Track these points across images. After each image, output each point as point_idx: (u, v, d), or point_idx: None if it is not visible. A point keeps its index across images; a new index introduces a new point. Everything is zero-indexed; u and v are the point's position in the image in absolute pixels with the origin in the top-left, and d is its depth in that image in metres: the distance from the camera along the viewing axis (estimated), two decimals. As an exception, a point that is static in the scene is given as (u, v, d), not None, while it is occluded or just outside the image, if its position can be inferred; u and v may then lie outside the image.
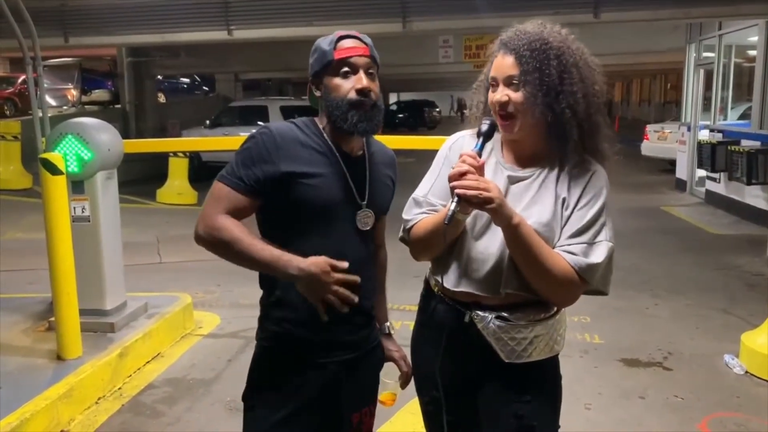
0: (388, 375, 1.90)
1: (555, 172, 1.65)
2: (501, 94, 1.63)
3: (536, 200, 1.63)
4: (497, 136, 1.73)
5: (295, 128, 1.70)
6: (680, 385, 3.83)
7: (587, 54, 1.66)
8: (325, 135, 1.70)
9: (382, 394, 1.90)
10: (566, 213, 1.62)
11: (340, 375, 1.74)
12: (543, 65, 1.58)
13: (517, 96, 1.60)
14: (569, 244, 1.59)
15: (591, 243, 1.59)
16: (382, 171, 1.80)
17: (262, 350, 1.77)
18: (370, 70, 1.66)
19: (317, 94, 1.71)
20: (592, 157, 1.67)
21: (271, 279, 1.70)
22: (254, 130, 1.70)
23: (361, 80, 1.63)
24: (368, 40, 1.69)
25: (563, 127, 1.60)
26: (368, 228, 1.73)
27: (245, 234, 1.60)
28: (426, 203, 1.73)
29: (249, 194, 1.63)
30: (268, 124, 1.72)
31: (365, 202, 1.71)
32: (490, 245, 1.64)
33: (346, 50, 1.64)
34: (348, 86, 1.64)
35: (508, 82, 1.62)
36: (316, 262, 1.54)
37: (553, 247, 1.60)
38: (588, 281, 1.59)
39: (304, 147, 1.66)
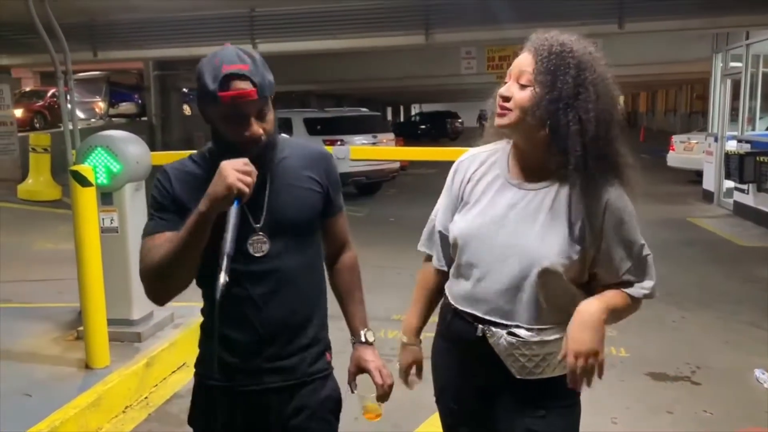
0: (366, 389, 1.77)
1: (565, 191, 1.60)
2: (506, 88, 1.60)
3: (550, 228, 1.59)
4: (503, 152, 1.71)
5: (190, 163, 1.62)
6: (709, 400, 3.76)
7: (611, 81, 1.59)
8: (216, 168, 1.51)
9: (365, 411, 1.79)
10: (590, 241, 1.58)
11: (269, 404, 1.64)
12: (558, 70, 1.53)
13: (521, 94, 1.56)
14: (620, 281, 1.63)
15: (638, 269, 1.63)
16: (298, 175, 1.64)
17: (195, 379, 1.72)
18: (263, 109, 1.52)
19: (205, 121, 1.57)
20: (605, 179, 1.58)
21: (204, 290, 1.64)
22: (155, 177, 1.62)
23: (251, 129, 1.50)
24: (257, 71, 1.49)
25: (566, 141, 1.53)
26: (262, 254, 1.58)
27: (166, 242, 1.50)
28: (436, 239, 1.81)
29: (171, 228, 1.52)
30: (165, 166, 1.63)
31: (260, 225, 1.58)
32: (502, 271, 1.62)
33: (235, 96, 1.45)
34: (238, 132, 1.50)
35: (518, 77, 1.59)
36: (215, 182, 1.44)
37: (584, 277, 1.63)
38: (650, 299, 1.67)
39: (200, 182, 1.51)
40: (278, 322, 1.62)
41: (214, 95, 1.46)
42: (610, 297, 1.60)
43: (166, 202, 1.56)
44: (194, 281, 1.61)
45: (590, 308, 1.55)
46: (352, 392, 1.80)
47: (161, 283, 1.54)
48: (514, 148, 1.69)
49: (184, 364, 4.23)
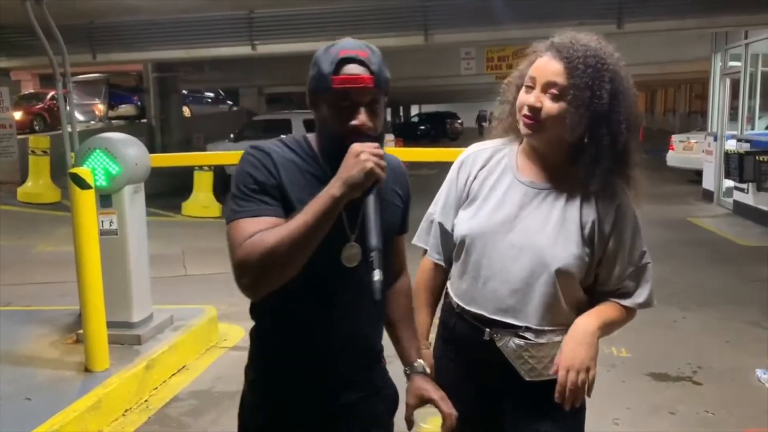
0: (425, 419, 1.72)
1: (577, 192, 1.60)
2: (536, 98, 1.54)
3: (562, 229, 1.59)
4: (511, 150, 1.69)
5: (287, 149, 1.46)
6: (711, 401, 3.75)
7: (631, 79, 1.58)
8: (320, 158, 1.46)
9: None
10: (598, 244, 1.59)
11: (347, 418, 1.55)
12: (596, 85, 1.49)
13: (552, 106, 1.52)
14: (618, 288, 1.64)
15: (637, 277, 1.65)
16: (388, 188, 1.53)
17: (250, 391, 1.60)
18: (376, 103, 1.41)
19: (313, 112, 1.48)
20: (618, 184, 1.60)
21: (262, 304, 1.50)
22: (246, 152, 1.46)
23: (360, 118, 1.38)
24: (376, 61, 1.40)
25: (599, 153, 1.53)
26: (354, 264, 1.45)
27: (279, 226, 1.34)
28: (436, 233, 1.77)
29: (276, 214, 1.38)
30: (257, 143, 1.47)
31: (355, 235, 1.45)
32: (512, 271, 1.61)
33: (348, 80, 1.37)
34: (344, 121, 1.39)
35: (548, 88, 1.53)
36: (348, 160, 1.33)
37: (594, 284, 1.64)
38: (648, 308, 1.69)
39: (302, 172, 1.44)
40: (354, 337, 1.53)
41: (328, 80, 1.37)
42: (605, 312, 1.62)
43: (269, 187, 1.39)
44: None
45: (586, 325, 1.57)
46: (410, 429, 1.64)
47: (271, 273, 1.33)
48: (528, 147, 1.67)
49: (184, 367, 4.23)
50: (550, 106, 1.53)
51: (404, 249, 1.72)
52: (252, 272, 1.33)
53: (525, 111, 1.57)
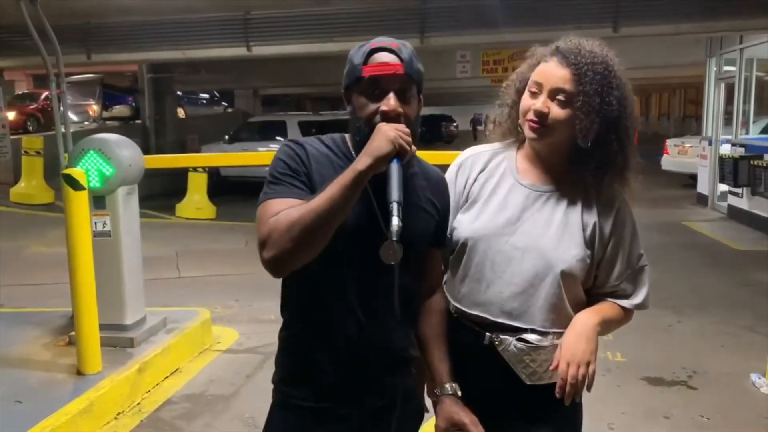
0: None
1: (579, 194, 1.61)
2: (542, 103, 1.54)
3: (565, 231, 1.59)
4: (510, 153, 1.69)
5: (322, 145, 1.52)
6: (706, 405, 3.74)
7: (630, 84, 1.60)
8: (354, 154, 1.47)
9: None
10: (598, 246, 1.60)
11: (363, 427, 1.54)
12: (605, 92, 1.51)
13: (560, 112, 1.53)
14: (616, 290, 1.65)
15: (634, 279, 1.66)
16: (422, 195, 1.55)
17: (276, 395, 1.59)
18: (406, 90, 1.44)
19: (348, 109, 1.51)
20: (617, 185, 1.62)
21: (288, 298, 1.54)
22: (282, 144, 1.52)
23: (389, 102, 1.41)
24: (407, 52, 1.45)
25: (607, 158, 1.55)
26: (392, 262, 1.39)
27: (301, 204, 1.37)
28: None
29: (304, 198, 1.40)
30: (296, 138, 1.55)
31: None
32: (516, 273, 1.60)
33: (377, 67, 1.41)
34: (374, 108, 1.42)
35: (555, 94, 1.53)
36: (375, 139, 1.37)
37: (594, 285, 1.65)
38: (644, 309, 1.70)
39: (334, 166, 1.46)
40: (383, 339, 1.51)
41: (359, 70, 1.42)
42: (604, 309, 1.64)
43: (300, 174, 1.45)
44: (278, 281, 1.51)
45: (587, 320, 1.58)
46: None
47: (293, 247, 1.34)
48: (529, 151, 1.67)
49: (177, 370, 4.20)
50: (557, 111, 1.54)
51: (440, 264, 1.69)
52: (275, 247, 1.35)
53: (531, 116, 1.56)
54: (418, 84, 1.47)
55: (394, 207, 1.34)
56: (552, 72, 1.55)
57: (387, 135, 1.35)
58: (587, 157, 1.56)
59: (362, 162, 1.35)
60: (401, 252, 1.36)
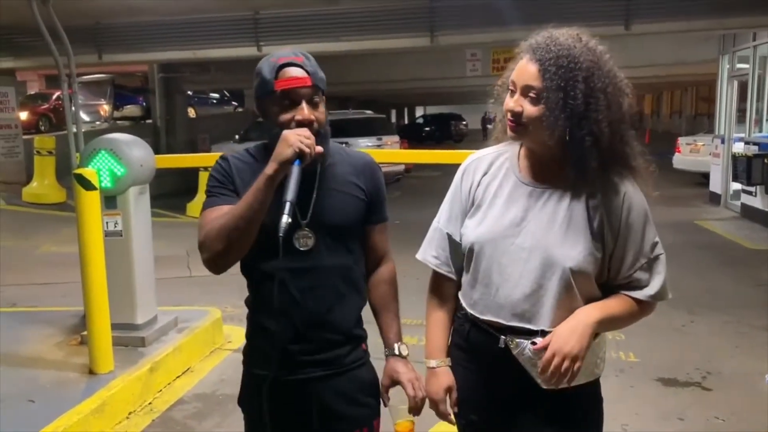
0: (398, 402, 1.75)
1: (583, 189, 1.57)
2: (515, 102, 1.55)
3: (570, 228, 1.56)
4: (513, 152, 1.67)
5: (247, 155, 1.74)
6: (720, 406, 3.71)
7: (618, 75, 1.55)
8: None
9: (397, 423, 1.74)
10: (608, 237, 1.56)
11: (310, 392, 1.72)
12: (569, 86, 1.47)
13: (532, 110, 1.52)
14: (630, 280, 1.60)
15: (649, 268, 1.60)
16: (345, 180, 1.74)
17: (243, 366, 1.83)
18: (315, 98, 1.64)
19: (262, 117, 1.70)
20: (620, 175, 1.58)
21: (249, 281, 1.75)
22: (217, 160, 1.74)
23: (302, 112, 1.61)
24: (310, 64, 1.65)
25: (582, 154, 1.51)
26: (307, 248, 1.67)
27: (230, 209, 1.60)
28: (445, 245, 1.74)
29: (233, 203, 1.62)
30: (225, 154, 1.76)
31: (306, 221, 1.66)
32: (524, 274, 1.58)
33: (287, 81, 1.61)
34: (287, 117, 1.61)
35: (526, 91, 1.53)
36: (280, 145, 1.55)
37: (608, 279, 1.61)
38: (661, 301, 1.64)
39: (254, 172, 1.61)
40: (315, 318, 1.69)
41: (271, 84, 1.61)
42: (610, 305, 1.59)
43: (226, 183, 1.68)
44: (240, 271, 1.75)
45: (587, 316, 1.55)
46: (385, 405, 1.78)
47: (223, 248, 1.59)
48: (526, 148, 1.65)
49: (188, 369, 4.20)
50: (530, 109, 1.53)
51: (384, 238, 1.85)
52: (209, 250, 1.60)
53: (508, 115, 1.57)
54: (322, 90, 1.67)
55: (287, 206, 1.52)
56: (523, 69, 1.54)
57: (288, 140, 1.53)
58: (570, 152, 1.53)
59: (270, 167, 1.54)
60: (312, 239, 1.66)
